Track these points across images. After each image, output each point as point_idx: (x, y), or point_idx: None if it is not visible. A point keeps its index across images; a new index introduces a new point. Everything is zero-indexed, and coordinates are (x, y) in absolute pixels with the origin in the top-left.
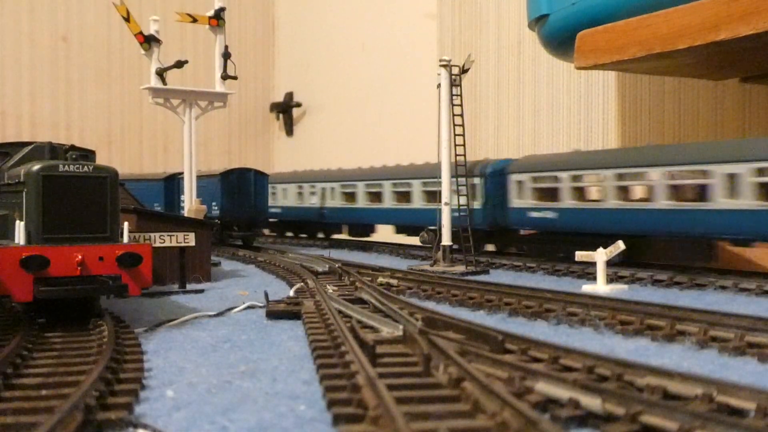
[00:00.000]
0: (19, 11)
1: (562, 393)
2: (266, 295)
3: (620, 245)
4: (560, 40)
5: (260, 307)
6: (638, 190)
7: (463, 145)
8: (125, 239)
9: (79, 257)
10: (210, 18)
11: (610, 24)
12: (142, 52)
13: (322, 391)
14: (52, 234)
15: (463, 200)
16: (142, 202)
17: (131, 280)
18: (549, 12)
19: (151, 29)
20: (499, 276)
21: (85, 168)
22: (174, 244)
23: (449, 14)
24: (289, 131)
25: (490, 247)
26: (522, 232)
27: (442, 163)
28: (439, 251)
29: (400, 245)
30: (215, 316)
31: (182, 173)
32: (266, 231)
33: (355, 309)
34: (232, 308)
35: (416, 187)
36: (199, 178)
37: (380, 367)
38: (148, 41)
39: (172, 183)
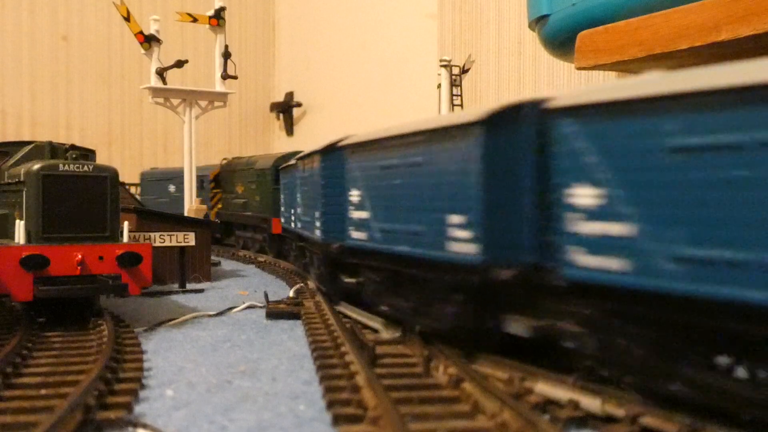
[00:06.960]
0: (20, 11)
1: (561, 394)
2: (266, 295)
3: None
4: (561, 41)
5: (260, 307)
6: None
7: None
8: (125, 239)
9: (79, 256)
10: (210, 18)
11: (610, 24)
12: (143, 51)
13: (321, 391)
14: (52, 233)
15: None
16: None
17: (131, 279)
18: (549, 12)
19: (151, 29)
20: None
21: (85, 167)
22: (174, 243)
23: (449, 14)
24: (290, 131)
25: None
26: None
27: None
28: None
29: None
30: (215, 315)
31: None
32: None
33: (355, 309)
34: (232, 308)
35: None
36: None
37: (380, 368)
38: (149, 41)
39: None
